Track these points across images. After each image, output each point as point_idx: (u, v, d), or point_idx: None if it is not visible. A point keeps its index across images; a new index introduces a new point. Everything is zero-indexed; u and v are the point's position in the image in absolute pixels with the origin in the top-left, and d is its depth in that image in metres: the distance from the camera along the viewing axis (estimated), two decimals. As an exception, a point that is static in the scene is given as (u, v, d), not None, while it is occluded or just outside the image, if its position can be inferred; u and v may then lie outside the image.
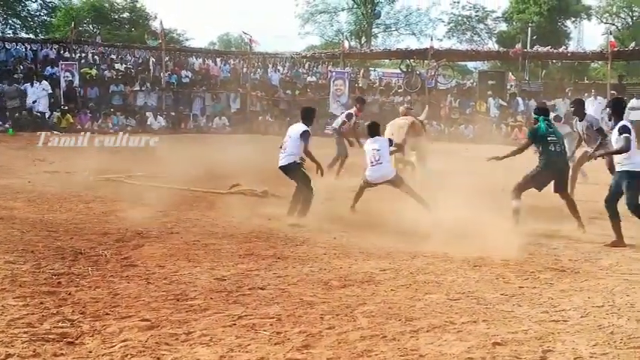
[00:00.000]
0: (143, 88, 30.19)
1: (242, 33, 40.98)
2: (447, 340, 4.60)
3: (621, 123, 8.02)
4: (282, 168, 9.57)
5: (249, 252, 7.16)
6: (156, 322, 4.80)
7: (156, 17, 51.80)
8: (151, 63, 31.91)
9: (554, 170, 8.73)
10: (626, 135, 7.81)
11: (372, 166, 9.66)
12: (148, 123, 28.16)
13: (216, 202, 10.46)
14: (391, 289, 5.87)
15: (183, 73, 31.79)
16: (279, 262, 6.78)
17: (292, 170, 9.49)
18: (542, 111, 9.14)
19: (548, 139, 8.69)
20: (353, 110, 14.37)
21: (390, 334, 4.66)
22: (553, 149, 8.67)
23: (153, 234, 7.99)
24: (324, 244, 7.70)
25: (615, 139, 8.02)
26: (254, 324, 4.82)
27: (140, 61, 32.98)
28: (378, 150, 9.65)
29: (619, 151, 7.88)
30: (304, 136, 9.46)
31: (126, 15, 53.63)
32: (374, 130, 9.98)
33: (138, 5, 53.17)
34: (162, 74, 30.61)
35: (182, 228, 8.45)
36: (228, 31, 67.06)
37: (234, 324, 4.81)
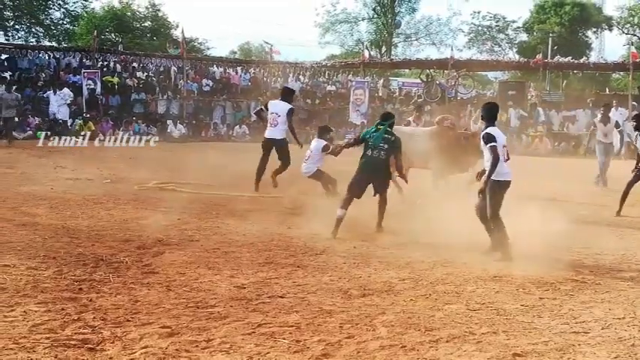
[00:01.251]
0: (164, 97, 30.40)
1: (263, 42, 41.25)
2: (466, 350, 4.58)
3: (486, 130, 7.67)
4: (274, 140, 11.75)
5: (268, 260, 7.18)
6: (176, 329, 4.83)
7: (177, 26, 52.35)
8: (172, 71, 32.17)
9: (364, 172, 8.95)
10: (492, 144, 7.52)
11: (304, 162, 11.26)
12: (169, 131, 28.34)
13: (236, 209, 10.49)
14: (410, 299, 5.86)
15: (204, 81, 32.04)
16: (298, 270, 6.78)
17: (283, 144, 11.82)
18: (382, 117, 9.52)
19: (369, 143, 9.00)
20: (412, 118, 14.52)
21: (409, 344, 4.66)
22: (370, 153, 8.96)
23: (173, 241, 8.03)
24: (344, 253, 7.69)
25: (482, 146, 7.74)
26: (273, 332, 4.83)
27: (162, 69, 33.24)
28: (311, 151, 11.19)
29: (494, 165, 7.47)
30: (290, 113, 11.86)
31: (148, 24, 54.06)
32: (321, 133, 11.41)
33: (160, 14, 53.69)
34: (183, 83, 30.82)
35: (202, 235, 8.48)
36: (248, 40, 67.27)
37: (254, 332, 4.83)
